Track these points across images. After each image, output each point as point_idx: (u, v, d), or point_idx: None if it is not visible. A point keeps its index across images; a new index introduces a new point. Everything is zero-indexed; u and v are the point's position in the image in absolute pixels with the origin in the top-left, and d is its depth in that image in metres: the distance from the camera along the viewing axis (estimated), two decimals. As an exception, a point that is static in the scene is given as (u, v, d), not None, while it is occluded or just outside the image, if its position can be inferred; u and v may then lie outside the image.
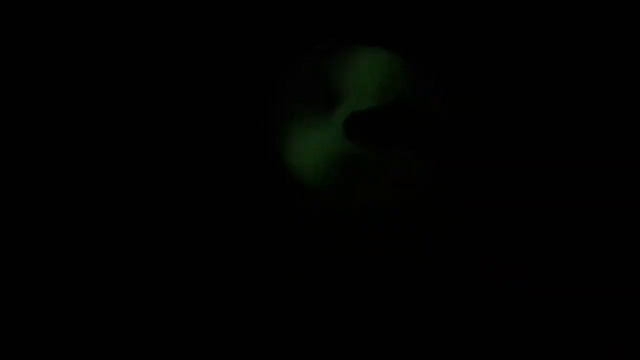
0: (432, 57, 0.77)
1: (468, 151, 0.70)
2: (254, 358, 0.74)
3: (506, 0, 0.78)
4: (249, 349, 0.74)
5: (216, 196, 0.76)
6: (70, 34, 0.78)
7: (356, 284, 0.75)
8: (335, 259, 0.76)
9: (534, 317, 0.74)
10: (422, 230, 0.75)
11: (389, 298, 0.75)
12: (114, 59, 0.78)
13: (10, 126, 0.76)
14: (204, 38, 0.78)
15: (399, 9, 0.77)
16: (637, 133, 0.77)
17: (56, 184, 0.76)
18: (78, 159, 0.76)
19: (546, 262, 0.75)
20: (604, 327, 0.74)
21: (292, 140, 0.73)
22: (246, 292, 0.75)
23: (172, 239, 0.76)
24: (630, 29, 0.79)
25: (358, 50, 0.74)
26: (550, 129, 0.77)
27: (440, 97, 0.74)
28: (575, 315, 0.74)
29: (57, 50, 0.77)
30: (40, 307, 0.74)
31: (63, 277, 0.75)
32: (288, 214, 0.76)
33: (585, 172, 0.76)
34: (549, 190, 0.75)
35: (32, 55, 0.77)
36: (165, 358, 0.74)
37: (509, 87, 0.78)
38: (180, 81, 0.78)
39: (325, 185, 0.72)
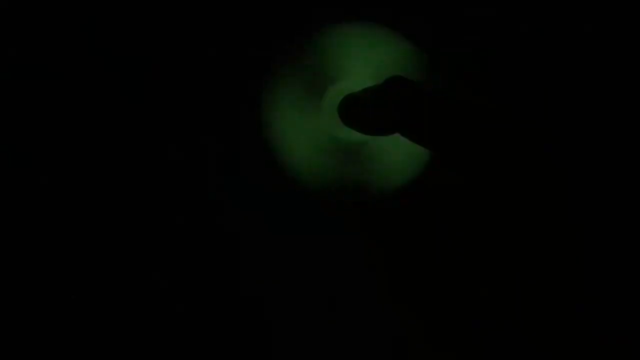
0: (436, 38, 0.75)
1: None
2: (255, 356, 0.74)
3: None
4: (247, 346, 0.74)
5: (205, 191, 0.76)
6: (67, 33, 0.78)
7: (353, 273, 0.75)
8: (331, 249, 0.75)
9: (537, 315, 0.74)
10: (416, 218, 0.74)
11: (385, 289, 0.75)
12: (103, 56, 0.78)
13: (10, 126, 0.76)
14: (188, 22, 0.78)
15: None
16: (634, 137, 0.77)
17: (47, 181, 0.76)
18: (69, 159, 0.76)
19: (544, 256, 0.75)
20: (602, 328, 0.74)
21: (282, 129, 0.71)
22: (237, 289, 0.75)
23: (162, 235, 0.75)
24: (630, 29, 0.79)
25: (355, 28, 0.71)
26: (556, 118, 0.77)
27: (442, 81, 0.71)
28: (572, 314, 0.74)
29: (50, 49, 0.77)
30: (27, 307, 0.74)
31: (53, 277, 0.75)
32: (281, 207, 0.75)
33: (587, 173, 0.76)
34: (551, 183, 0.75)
35: (28, 55, 0.77)
36: (163, 357, 0.74)
37: (515, 73, 0.78)
38: (178, 82, 0.78)
39: (318, 173, 0.70)
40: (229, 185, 0.76)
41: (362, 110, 0.66)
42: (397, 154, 0.70)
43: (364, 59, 0.70)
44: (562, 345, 0.73)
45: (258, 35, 0.78)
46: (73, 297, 0.74)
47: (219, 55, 0.78)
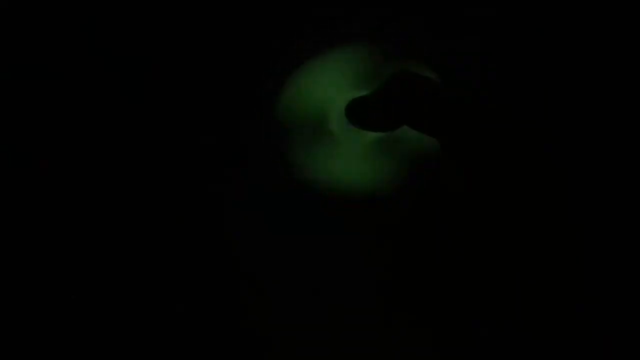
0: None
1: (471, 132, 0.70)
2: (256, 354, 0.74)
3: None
4: (248, 344, 0.74)
5: (217, 194, 0.76)
6: (70, 34, 0.78)
7: (352, 273, 0.75)
8: (331, 249, 0.75)
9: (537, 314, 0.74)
10: (416, 219, 0.75)
11: (390, 283, 0.75)
12: (111, 59, 0.78)
13: (10, 126, 0.76)
14: (205, 39, 0.78)
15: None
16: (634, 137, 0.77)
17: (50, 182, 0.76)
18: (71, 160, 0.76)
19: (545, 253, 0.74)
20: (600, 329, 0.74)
21: (294, 135, 0.73)
22: (243, 289, 0.75)
23: (163, 235, 0.76)
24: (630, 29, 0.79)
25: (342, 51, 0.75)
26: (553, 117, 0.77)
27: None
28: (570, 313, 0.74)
29: (55, 50, 0.77)
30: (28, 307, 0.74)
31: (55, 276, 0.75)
32: (281, 207, 0.75)
33: (588, 172, 0.76)
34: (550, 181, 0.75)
35: (32, 55, 0.77)
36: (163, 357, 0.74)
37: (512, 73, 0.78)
38: (179, 82, 0.78)
39: (324, 173, 0.73)
40: (230, 185, 0.76)
41: (368, 107, 0.71)
42: (399, 157, 0.72)
43: (374, 80, 0.74)
44: (561, 344, 0.73)
45: (259, 36, 0.78)
46: (73, 297, 0.74)
47: (221, 57, 0.78)
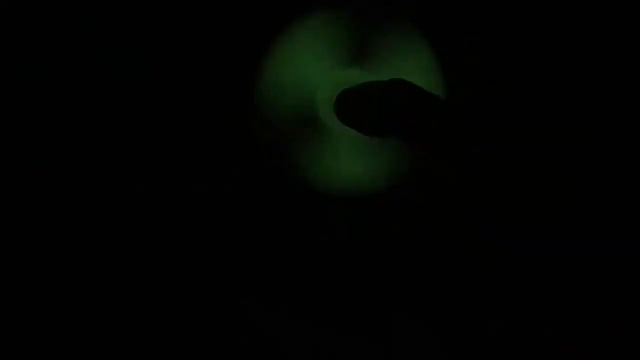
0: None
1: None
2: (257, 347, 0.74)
3: None
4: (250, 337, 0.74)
5: (209, 189, 0.76)
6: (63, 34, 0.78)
7: (352, 272, 0.75)
8: (333, 249, 0.75)
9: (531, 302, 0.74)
10: (413, 213, 0.73)
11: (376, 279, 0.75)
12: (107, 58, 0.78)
13: (10, 126, 0.76)
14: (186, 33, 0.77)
15: None
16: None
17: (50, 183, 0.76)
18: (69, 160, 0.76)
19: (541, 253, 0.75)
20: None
21: (277, 121, 0.68)
22: (238, 282, 0.75)
23: (162, 235, 0.75)
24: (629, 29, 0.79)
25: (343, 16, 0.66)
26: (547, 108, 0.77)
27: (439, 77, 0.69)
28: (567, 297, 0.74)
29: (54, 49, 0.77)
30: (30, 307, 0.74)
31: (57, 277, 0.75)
32: (281, 207, 0.75)
33: (585, 171, 0.77)
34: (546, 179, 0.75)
35: (27, 55, 0.77)
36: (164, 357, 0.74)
37: (510, 68, 0.78)
38: (177, 81, 0.78)
39: (316, 166, 0.70)
40: (230, 185, 0.76)
41: (361, 111, 0.63)
42: (392, 150, 0.70)
43: (357, 47, 0.67)
44: (561, 344, 0.73)
45: (257, 36, 0.78)
46: (73, 297, 0.74)
47: (220, 55, 0.78)
